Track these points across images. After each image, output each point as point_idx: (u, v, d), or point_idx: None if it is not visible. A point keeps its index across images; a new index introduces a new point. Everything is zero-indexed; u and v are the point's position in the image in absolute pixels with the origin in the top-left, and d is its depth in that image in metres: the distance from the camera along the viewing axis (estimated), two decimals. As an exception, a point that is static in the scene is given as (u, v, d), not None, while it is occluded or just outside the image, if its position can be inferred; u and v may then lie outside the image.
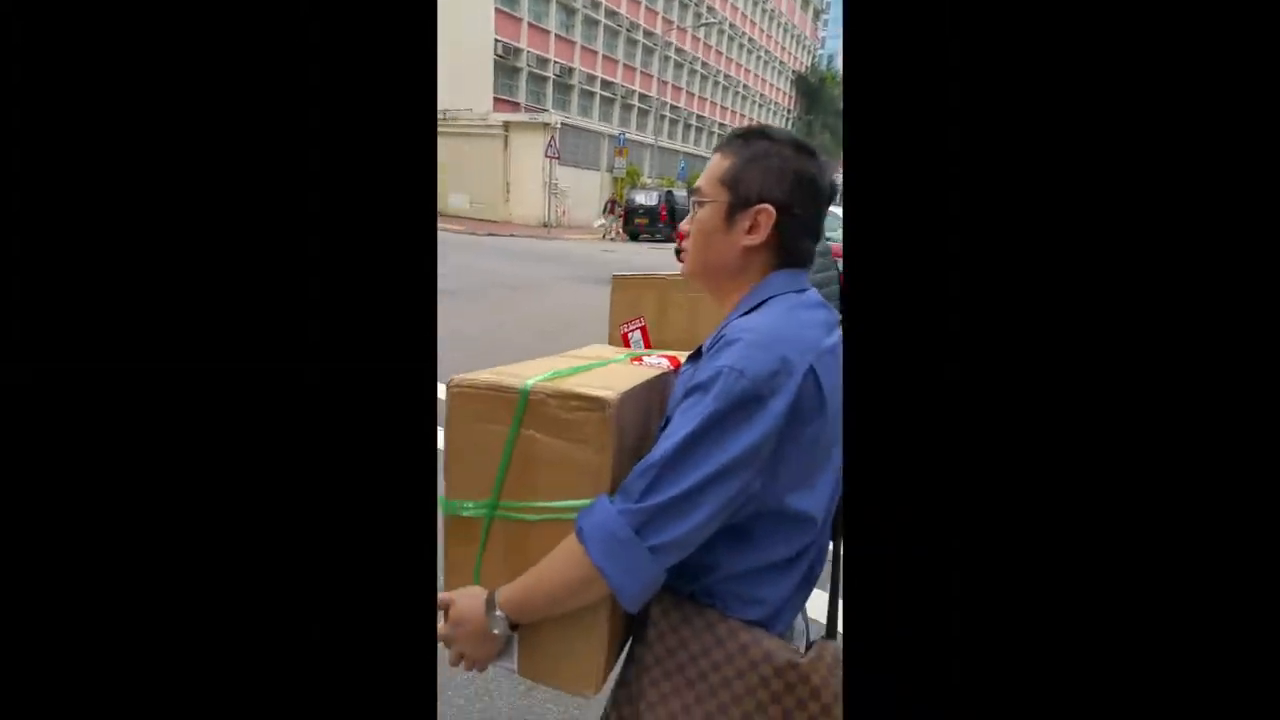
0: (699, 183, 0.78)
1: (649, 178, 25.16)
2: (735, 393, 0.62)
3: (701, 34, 34.80)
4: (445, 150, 21.31)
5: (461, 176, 20.80)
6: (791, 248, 0.75)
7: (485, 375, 0.74)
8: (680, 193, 19.30)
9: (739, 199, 0.73)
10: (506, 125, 20.21)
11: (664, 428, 0.68)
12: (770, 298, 0.72)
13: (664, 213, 17.44)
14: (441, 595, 0.74)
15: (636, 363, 0.88)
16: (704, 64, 36.00)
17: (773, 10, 42.49)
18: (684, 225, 0.83)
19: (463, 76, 22.01)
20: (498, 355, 1.72)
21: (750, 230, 0.73)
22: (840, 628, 0.68)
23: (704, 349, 0.73)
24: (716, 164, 0.76)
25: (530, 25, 23.42)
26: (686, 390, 0.67)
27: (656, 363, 0.89)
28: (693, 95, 34.90)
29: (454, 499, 0.74)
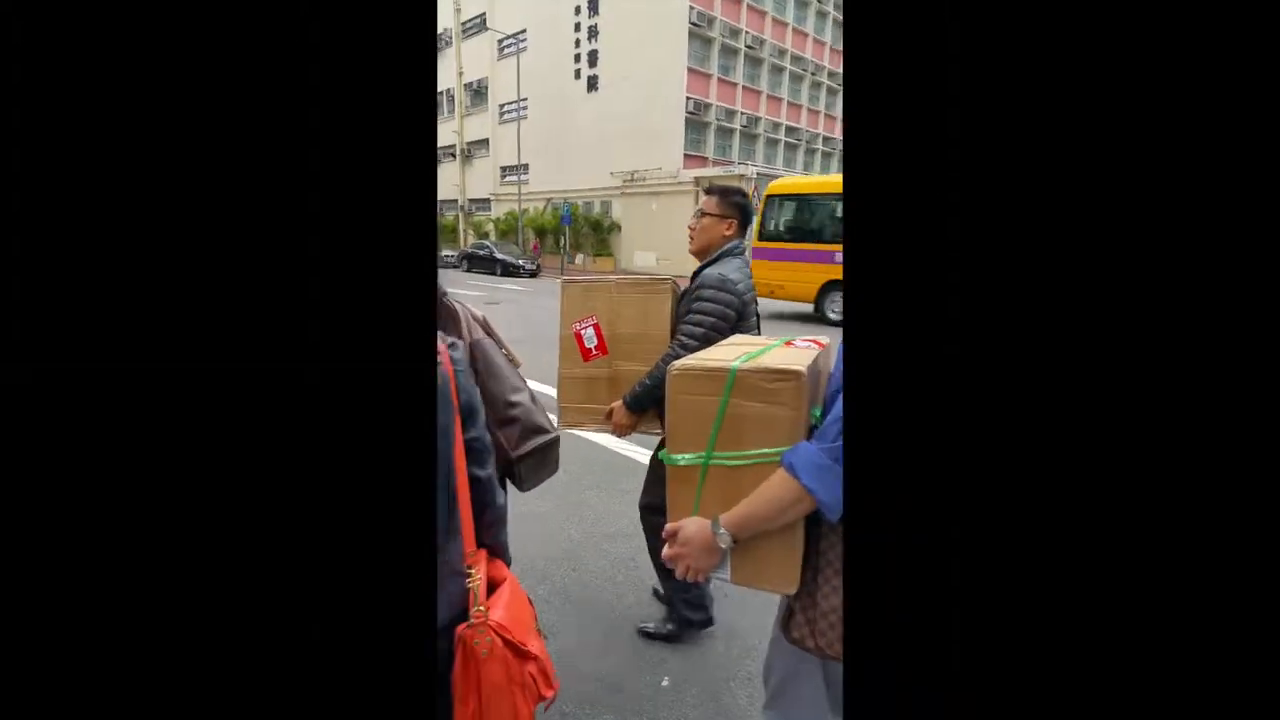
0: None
1: (841, 220, 23.89)
2: None
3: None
4: (632, 210, 21.94)
5: (649, 234, 21.20)
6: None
7: (695, 361, 1.00)
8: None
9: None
10: (697, 180, 20.30)
11: (832, 390, 0.95)
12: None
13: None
14: (669, 525, 0.99)
15: (789, 345, 1.10)
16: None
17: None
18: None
19: (657, 138, 22.78)
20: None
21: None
22: None
23: None
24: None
25: (719, 80, 23.72)
26: None
27: (806, 345, 1.10)
28: (880, 131, 32.99)
29: (674, 453, 0.98)
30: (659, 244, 21.28)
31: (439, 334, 0.85)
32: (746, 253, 1.88)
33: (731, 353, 1.02)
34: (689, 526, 0.96)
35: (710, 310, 1.68)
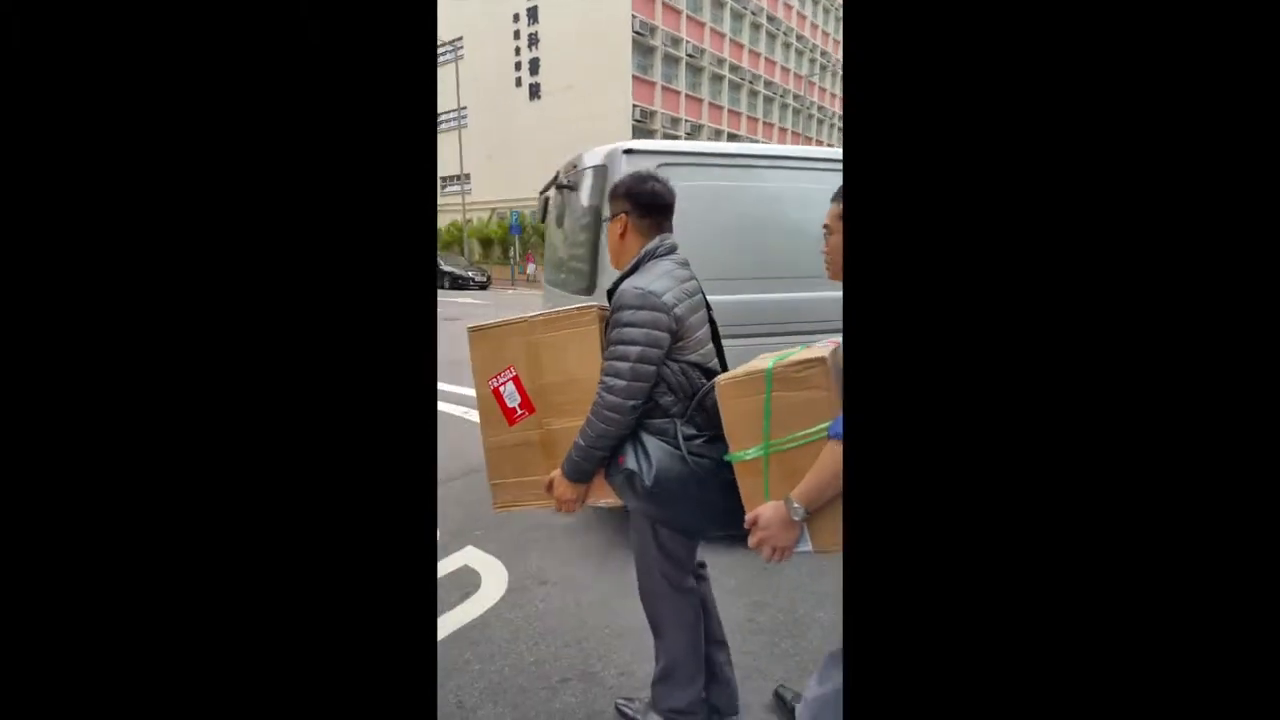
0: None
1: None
2: None
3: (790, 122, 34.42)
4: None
5: (603, 240, 21.13)
6: None
7: (736, 372, 1.15)
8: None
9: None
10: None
11: None
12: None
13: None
14: (747, 516, 1.11)
15: (809, 348, 1.20)
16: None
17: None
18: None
19: (604, 145, 22.68)
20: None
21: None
22: None
23: None
24: None
25: (663, 87, 24.03)
26: None
27: (823, 345, 1.18)
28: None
29: (737, 450, 1.13)
30: (611, 250, 21.26)
31: None
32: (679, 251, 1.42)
33: (764, 361, 1.15)
34: (765, 511, 1.07)
35: (632, 337, 1.26)
